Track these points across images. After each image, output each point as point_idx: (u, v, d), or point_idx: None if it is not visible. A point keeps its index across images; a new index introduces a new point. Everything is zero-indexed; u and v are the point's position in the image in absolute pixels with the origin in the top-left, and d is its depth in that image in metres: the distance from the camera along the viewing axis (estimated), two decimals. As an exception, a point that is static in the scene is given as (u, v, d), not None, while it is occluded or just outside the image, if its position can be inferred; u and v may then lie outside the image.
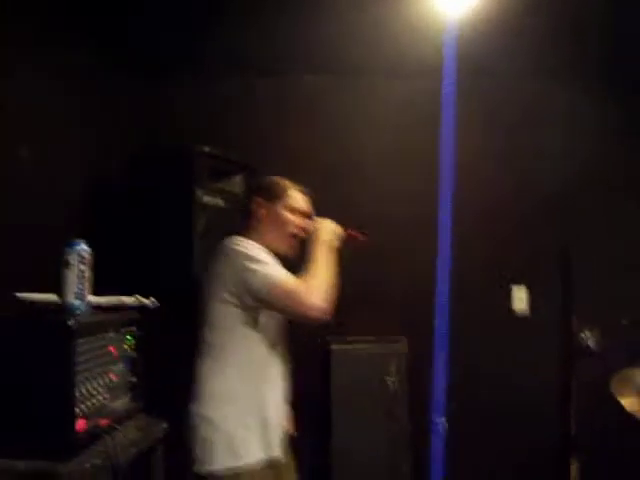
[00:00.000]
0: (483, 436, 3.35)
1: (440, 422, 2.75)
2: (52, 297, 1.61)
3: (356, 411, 3.13)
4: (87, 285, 1.59)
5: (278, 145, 3.39)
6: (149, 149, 3.06)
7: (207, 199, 2.78)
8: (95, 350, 1.53)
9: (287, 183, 2.22)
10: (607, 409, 2.28)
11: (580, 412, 3.40)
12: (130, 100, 3.20)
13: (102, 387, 1.56)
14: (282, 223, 2.17)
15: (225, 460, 1.92)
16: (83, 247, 1.57)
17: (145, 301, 2.05)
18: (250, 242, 2.05)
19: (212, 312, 2.00)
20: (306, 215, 2.22)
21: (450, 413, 2.79)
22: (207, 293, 2.01)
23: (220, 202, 2.88)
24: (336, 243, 2.14)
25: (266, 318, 2.02)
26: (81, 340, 1.45)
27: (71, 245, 1.56)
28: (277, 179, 2.24)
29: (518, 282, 3.47)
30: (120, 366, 1.68)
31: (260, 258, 1.96)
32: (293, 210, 2.18)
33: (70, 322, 1.42)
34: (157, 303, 2.12)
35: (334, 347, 3.24)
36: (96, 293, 1.72)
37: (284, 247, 2.17)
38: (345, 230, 2.21)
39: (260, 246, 2.07)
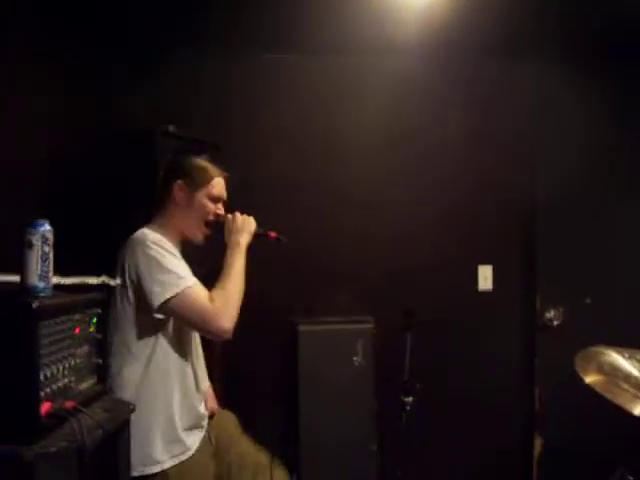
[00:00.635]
0: (449, 414, 3.41)
1: (407, 401, 2.80)
2: (14, 278, 1.58)
3: (323, 391, 3.17)
4: (51, 266, 1.55)
5: (249, 126, 3.36)
6: (116, 130, 3.03)
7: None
8: (60, 332, 1.51)
9: (212, 170, 2.14)
10: (571, 386, 2.34)
11: (544, 389, 3.48)
12: (98, 83, 3.15)
13: (67, 369, 1.53)
14: (200, 210, 2.11)
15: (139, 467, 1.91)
16: (46, 227, 1.54)
17: (111, 282, 2.02)
18: (161, 239, 1.99)
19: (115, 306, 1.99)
20: (223, 202, 2.18)
21: (416, 392, 2.85)
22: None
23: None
24: (249, 239, 2.11)
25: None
26: (45, 322, 1.43)
27: (34, 225, 1.52)
28: (202, 164, 2.15)
29: (484, 262, 3.52)
30: (85, 348, 1.65)
31: (171, 267, 1.91)
32: (213, 198, 2.13)
33: (34, 304, 1.39)
34: (122, 283, 2.10)
35: (301, 328, 3.26)
36: (61, 274, 1.70)
37: (197, 234, 2.13)
38: (264, 231, 2.21)
39: (172, 235, 2.05)
